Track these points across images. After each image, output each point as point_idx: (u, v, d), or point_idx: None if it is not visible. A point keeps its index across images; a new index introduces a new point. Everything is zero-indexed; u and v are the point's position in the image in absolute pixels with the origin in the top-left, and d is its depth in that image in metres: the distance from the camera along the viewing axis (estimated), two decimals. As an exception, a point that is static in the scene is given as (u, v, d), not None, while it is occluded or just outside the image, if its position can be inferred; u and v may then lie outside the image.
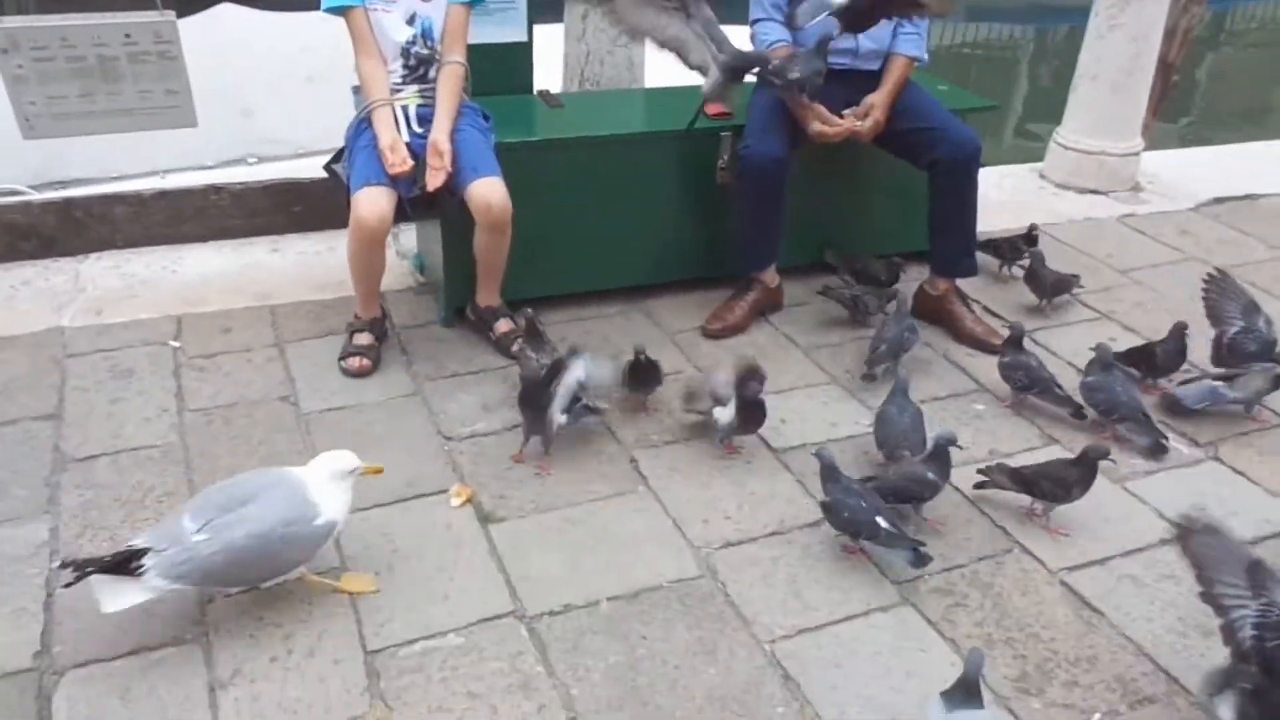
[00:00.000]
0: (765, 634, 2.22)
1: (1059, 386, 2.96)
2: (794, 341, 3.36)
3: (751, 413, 2.73)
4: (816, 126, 3.21)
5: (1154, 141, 5.36)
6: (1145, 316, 3.59)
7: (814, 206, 3.60)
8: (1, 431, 2.77)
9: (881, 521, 2.33)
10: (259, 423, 2.85)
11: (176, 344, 3.21)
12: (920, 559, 2.33)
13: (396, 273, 3.66)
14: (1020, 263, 3.76)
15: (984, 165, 3.36)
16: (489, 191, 2.90)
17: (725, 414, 2.73)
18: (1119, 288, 3.75)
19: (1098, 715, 2.05)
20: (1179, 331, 3.07)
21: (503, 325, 3.22)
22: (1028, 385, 2.98)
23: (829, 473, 2.44)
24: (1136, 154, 4.73)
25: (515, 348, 3.09)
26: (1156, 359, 3.10)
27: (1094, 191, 4.67)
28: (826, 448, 2.51)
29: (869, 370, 3.13)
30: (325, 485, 2.18)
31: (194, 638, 2.15)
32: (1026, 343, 3.04)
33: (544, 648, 2.16)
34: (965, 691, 1.83)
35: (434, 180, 2.88)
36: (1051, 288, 3.57)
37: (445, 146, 2.90)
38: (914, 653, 2.18)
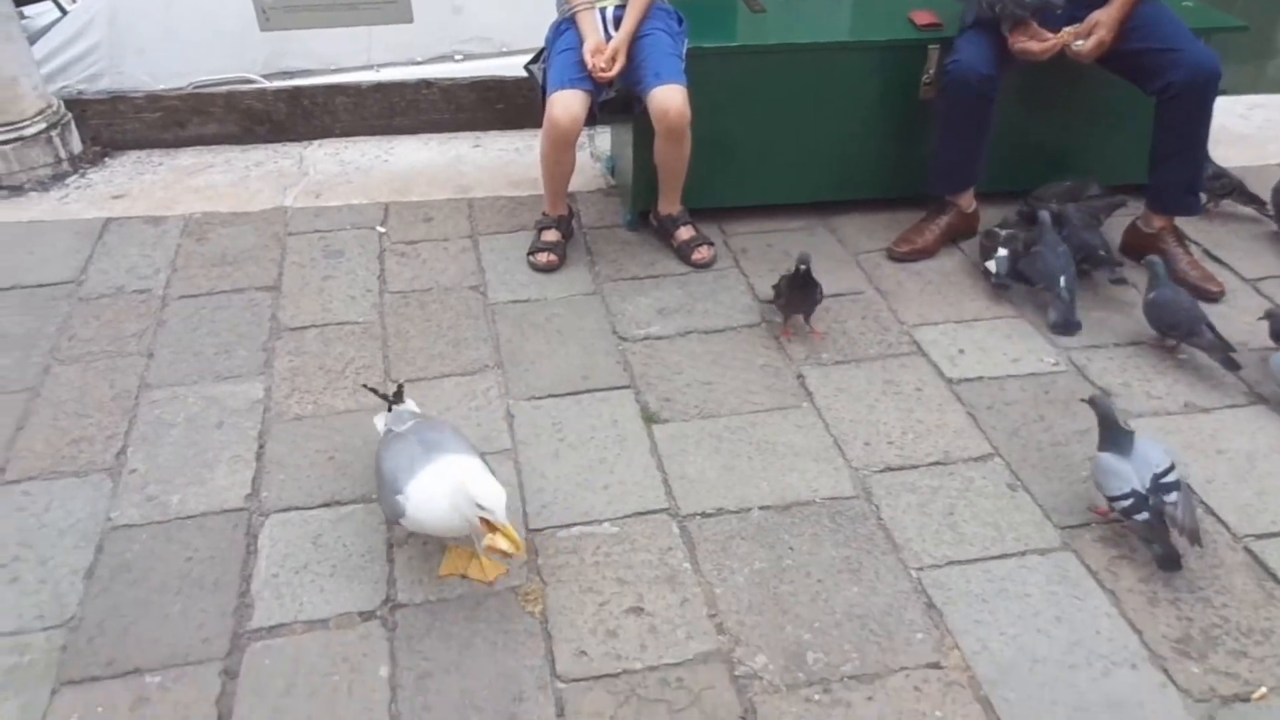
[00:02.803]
0: (914, 560, 2.21)
1: None
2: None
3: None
4: (1021, 41, 3.00)
5: None
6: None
7: (1023, 129, 3.40)
8: (231, 298, 3.08)
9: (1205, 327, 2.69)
10: (449, 308, 3.03)
11: (383, 229, 3.44)
12: (1232, 363, 2.66)
13: (589, 174, 3.75)
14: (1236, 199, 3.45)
15: (1229, 93, 3.03)
16: (667, 98, 2.91)
17: None
18: (1372, 238, 3.35)
19: (1264, 689, 1.94)
20: None
21: (683, 233, 3.25)
22: None
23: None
24: None
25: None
26: None
27: (1360, 129, 4.15)
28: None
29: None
30: (443, 485, 1.98)
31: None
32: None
33: (693, 545, 2.24)
34: (1117, 434, 2.10)
35: (602, 78, 2.94)
36: None
37: (618, 52, 2.94)
38: (1068, 599, 2.12)
